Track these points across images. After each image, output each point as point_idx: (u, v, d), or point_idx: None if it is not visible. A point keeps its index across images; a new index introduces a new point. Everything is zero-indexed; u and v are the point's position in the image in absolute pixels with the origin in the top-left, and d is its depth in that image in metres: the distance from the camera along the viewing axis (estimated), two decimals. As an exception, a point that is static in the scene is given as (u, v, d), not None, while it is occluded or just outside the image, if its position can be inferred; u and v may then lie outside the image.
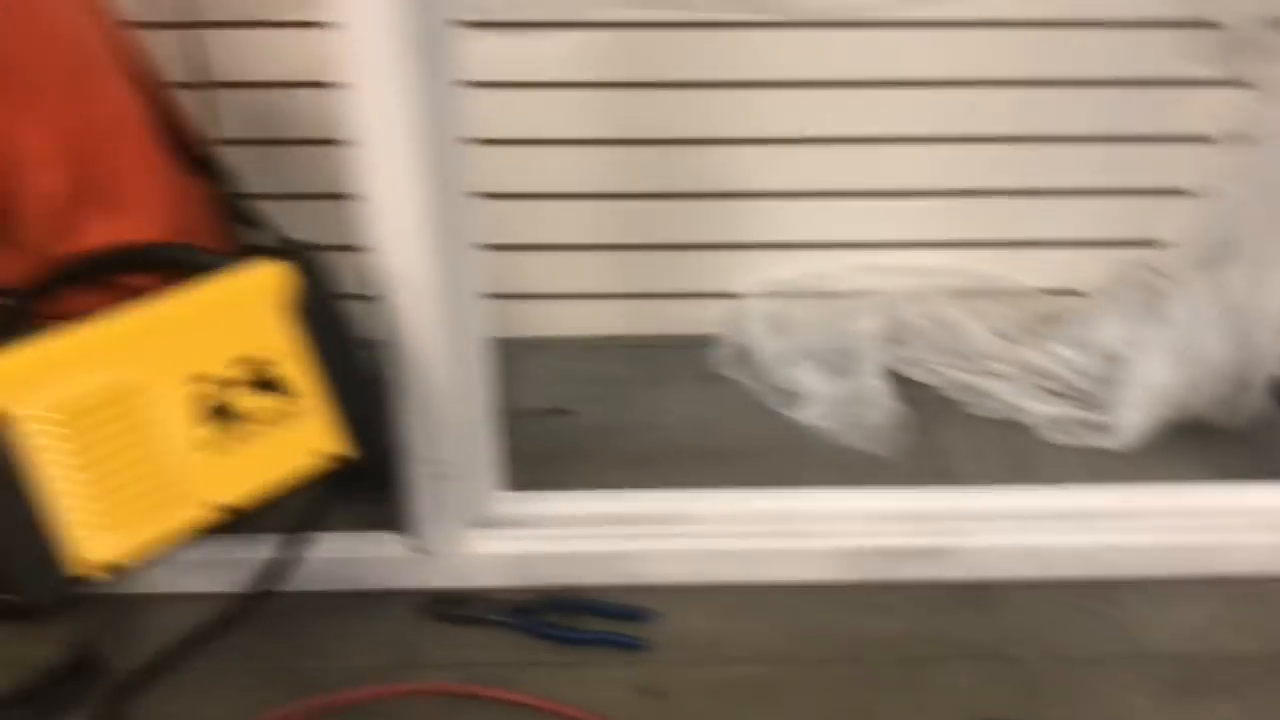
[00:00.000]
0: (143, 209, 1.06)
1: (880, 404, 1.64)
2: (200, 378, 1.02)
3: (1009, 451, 1.62)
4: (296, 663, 1.29)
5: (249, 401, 1.04)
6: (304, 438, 1.08)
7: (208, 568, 1.30)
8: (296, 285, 1.08)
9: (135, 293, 1.05)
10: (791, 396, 1.68)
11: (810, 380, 1.66)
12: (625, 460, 1.61)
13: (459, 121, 1.13)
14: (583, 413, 1.69)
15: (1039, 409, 1.65)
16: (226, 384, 1.03)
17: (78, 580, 0.94)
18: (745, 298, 1.83)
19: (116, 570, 0.97)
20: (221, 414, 1.03)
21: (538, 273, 1.82)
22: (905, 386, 1.71)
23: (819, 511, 1.41)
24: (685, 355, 1.82)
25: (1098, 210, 1.79)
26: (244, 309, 1.05)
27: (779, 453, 1.61)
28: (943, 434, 1.65)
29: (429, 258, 1.13)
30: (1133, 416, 1.59)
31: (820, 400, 1.65)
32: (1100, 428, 1.60)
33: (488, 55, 1.56)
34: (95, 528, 0.95)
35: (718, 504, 1.42)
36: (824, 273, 1.83)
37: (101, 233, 1.03)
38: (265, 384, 1.05)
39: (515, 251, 1.79)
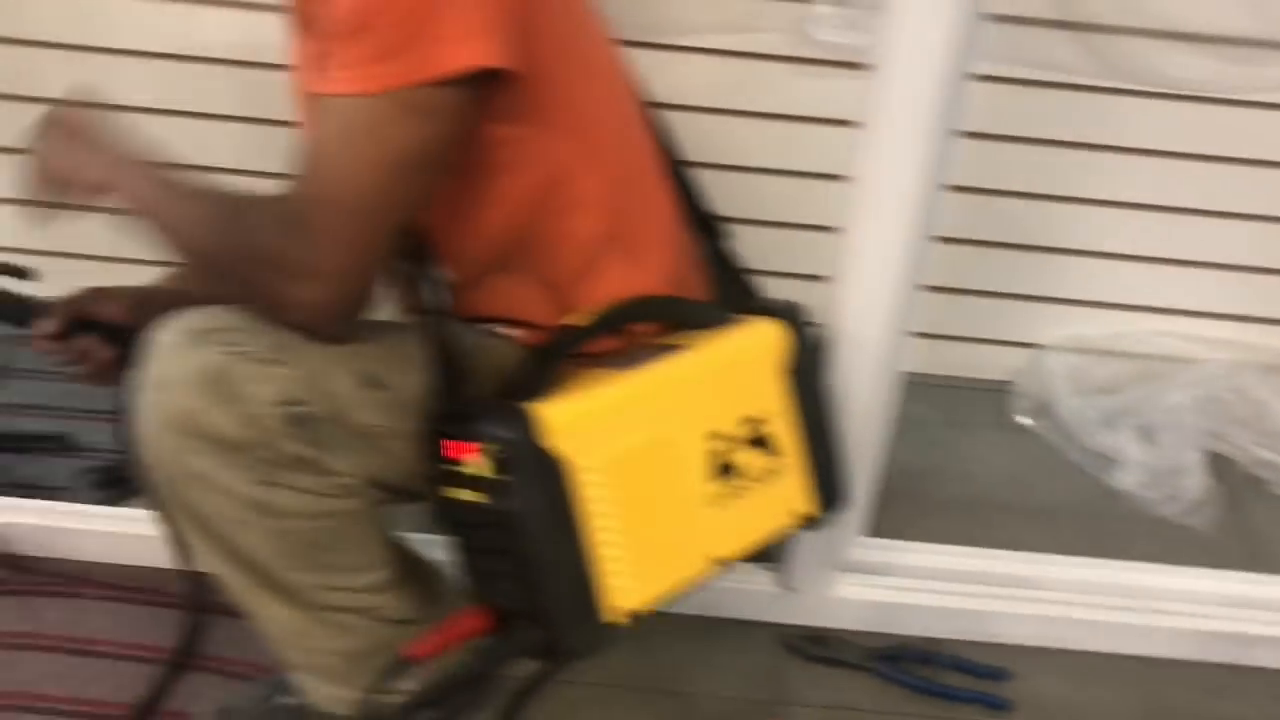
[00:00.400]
0: (655, 258, 1.09)
1: (1197, 477, 1.66)
2: (716, 434, 1.05)
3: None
4: (671, 686, 1.34)
5: (748, 459, 1.07)
6: (785, 496, 1.11)
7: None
8: (789, 345, 1.10)
9: (636, 339, 1.08)
10: (1105, 460, 1.70)
11: (1128, 446, 1.68)
12: (940, 508, 1.64)
13: (948, 168, 1.14)
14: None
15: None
16: (734, 441, 1.06)
17: (609, 626, 0.98)
18: (1047, 349, 1.84)
19: (637, 618, 1.00)
20: (726, 470, 1.06)
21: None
22: (1212, 460, 1.73)
23: (1169, 590, 1.43)
24: (982, 400, 1.84)
25: None
26: (750, 367, 1.08)
27: (1099, 518, 1.63)
28: (1253, 512, 1.67)
29: (890, 296, 1.17)
30: None
31: (1138, 468, 1.67)
32: None
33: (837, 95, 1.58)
34: (626, 576, 0.99)
35: (1069, 571, 1.44)
36: (1125, 334, 1.84)
37: (618, 279, 1.05)
38: (760, 442, 1.08)
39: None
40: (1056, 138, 1.70)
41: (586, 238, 1.04)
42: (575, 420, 0.95)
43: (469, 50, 0.88)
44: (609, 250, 1.06)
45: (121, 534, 1.41)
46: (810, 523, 1.15)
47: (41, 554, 1.41)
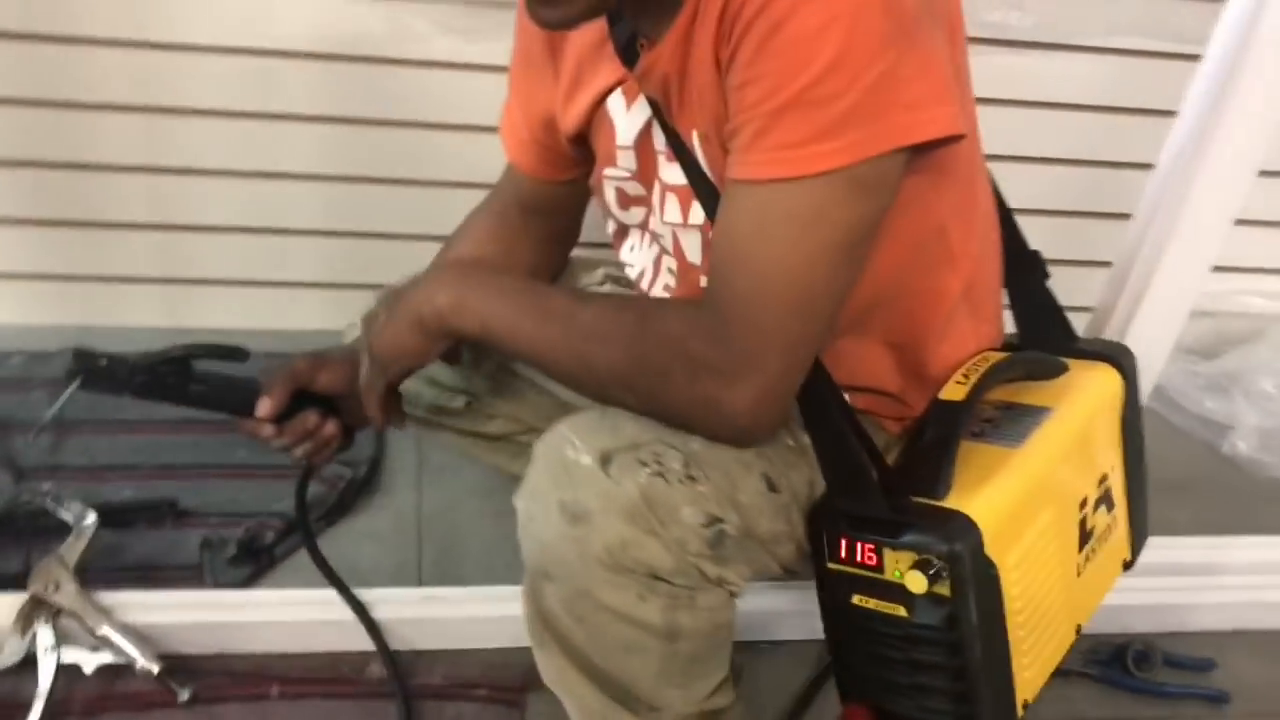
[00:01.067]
0: (990, 307, 1.00)
1: (1307, 437, 1.72)
2: (1085, 502, 0.99)
3: None
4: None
5: (1098, 519, 1.02)
6: (1118, 549, 1.07)
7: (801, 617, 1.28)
8: (1125, 391, 1.05)
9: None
10: (1218, 426, 1.73)
11: (1243, 411, 1.72)
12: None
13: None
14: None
15: None
16: (1093, 504, 1.01)
17: (1019, 721, 0.93)
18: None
19: (1028, 708, 0.95)
20: (1087, 537, 1.00)
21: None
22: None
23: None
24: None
25: None
26: (1101, 422, 1.02)
27: (1228, 490, 1.67)
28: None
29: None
30: None
31: (1253, 432, 1.71)
32: None
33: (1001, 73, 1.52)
34: (1031, 670, 0.93)
35: (1251, 553, 1.47)
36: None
37: (968, 336, 0.96)
38: (1105, 499, 1.03)
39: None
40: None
41: (949, 294, 0.95)
42: (1002, 521, 0.87)
43: (941, 117, 0.78)
44: (962, 306, 0.97)
45: (294, 621, 1.24)
46: (1126, 568, 1.11)
47: (206, 651, 1.23)
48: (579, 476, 0.81)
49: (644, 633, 0.85)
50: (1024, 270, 1.06)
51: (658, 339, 0.82)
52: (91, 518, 1.25)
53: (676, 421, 0.84)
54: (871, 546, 0.87)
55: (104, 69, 1.43)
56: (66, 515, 1.26)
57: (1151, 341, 1.15)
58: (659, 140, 0.93)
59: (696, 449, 0.83)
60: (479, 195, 1.56)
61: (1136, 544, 1.12)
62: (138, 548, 1.34)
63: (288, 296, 1.66)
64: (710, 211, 0.90)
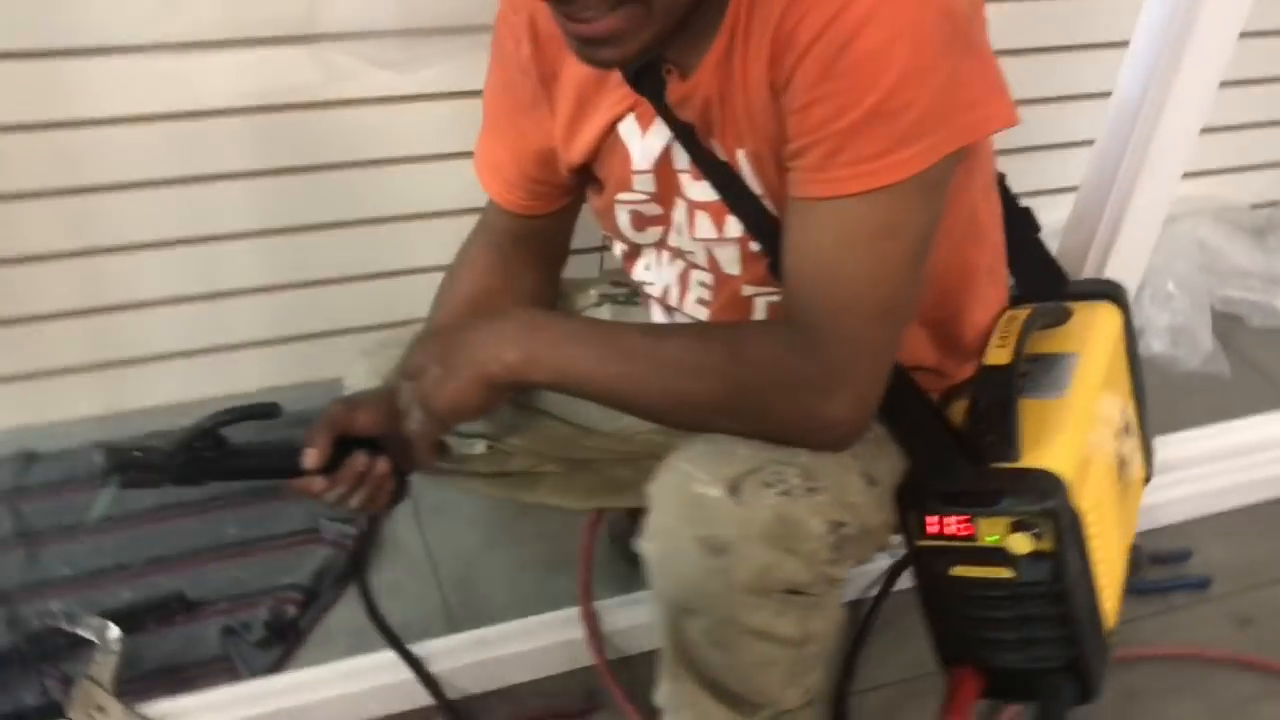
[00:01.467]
0: (1001, 270, 1.05)
1: (1208, 330, 1.87)
2: (1117, 434, 1.06)
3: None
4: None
5: (1128, 446, 1.10)
6: (1140, 472, 1.15)
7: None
8: (1126, 325, 1.13)
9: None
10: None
11: (1150, 314, 1.85)
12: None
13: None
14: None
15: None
16: (1123, 433, 1.08)
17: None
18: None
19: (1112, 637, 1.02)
20: (1122, 464, 1.08)
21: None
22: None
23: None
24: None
25: None
26: (1116, 358, 1.09)
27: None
28: (1251, 350, 1.91)
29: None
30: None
31: (1163, 332, 1.85)
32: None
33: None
34: (1112, 601, 1.00)
35: (1192, 446, 1.59)
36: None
37: (992, 302, 1.02)
38: (1128, 426, 1.11)
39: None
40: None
41: (979, 267, 1.01)
42: (1075, 469, 0.93)
43: (1000, 111, 0.83)
44: (987, 275, 1.03)
45: (352, 694, 1.21)
46: (1145, 483, 1.19)
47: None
48: (711, 509, 0.82)
49: (780, 645, 0.87)
50: (1019, 227, 1.13)
51: (752, 363, 0.84)
52: (115, 630, 1.19)
53: (780, 439, 0.86)
54: (964, 519, 0.92)
55: (14, 155, 1.34)
56: (86, 632, 1.20)
57: (1131, 257, 1.23)
58: (680, 160, 0.94)
59: (806, 461, 0.86)
60: (429, 225, 1.54)
61: (1149, 460, 1.21)
62: (156, 650, 1.28)
63: (230, 360, 1.59)
64: (751, 224, 0.92)
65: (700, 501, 0.83)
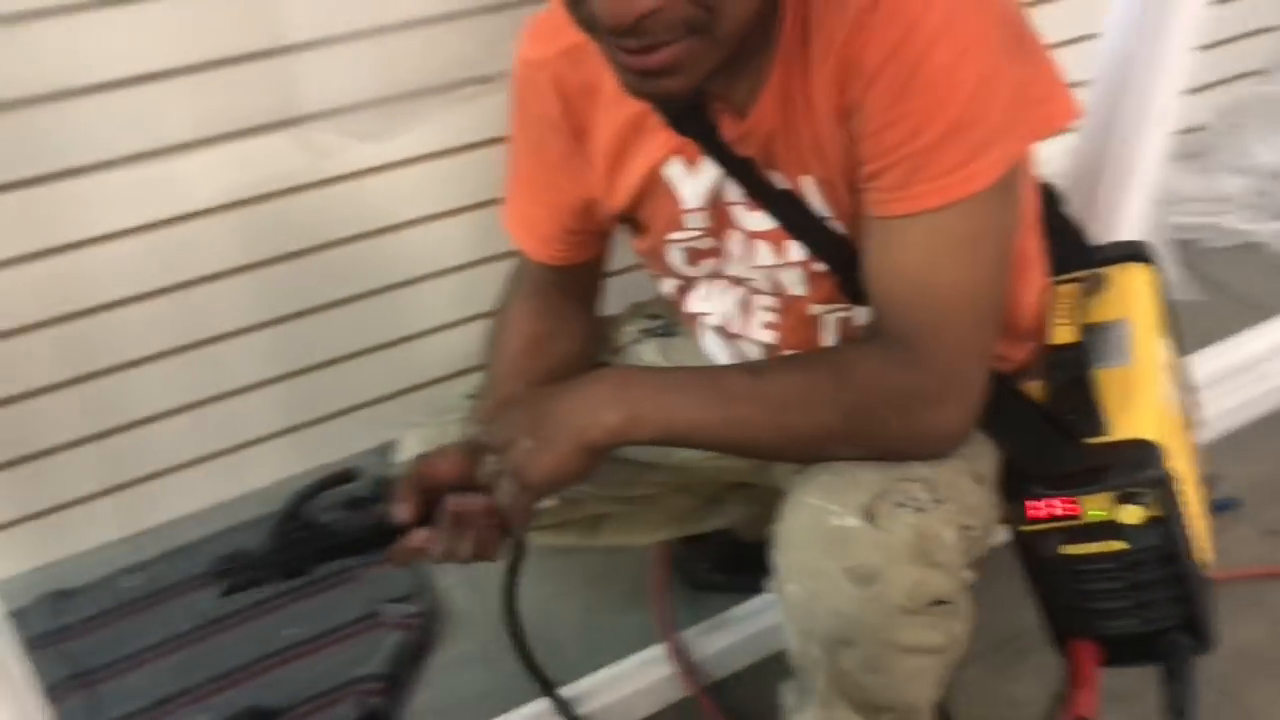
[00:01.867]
0: (1042, 250, 1.08)
1: (1169, 259, 1.93)
2: (1177, 383, 1.09)
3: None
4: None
5: (1184, 393, 1.13)
6: (1195, 411, 1.18)
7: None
8: (1160, 284, 1.16)
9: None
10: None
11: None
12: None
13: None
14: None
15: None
16: (1180, 382, 1.11)
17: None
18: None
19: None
20: (1185, 411, 1.11)
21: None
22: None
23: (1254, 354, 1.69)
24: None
25: None
26: (1159, 315, 1.12)
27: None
28: (1219, 274, 1.98)
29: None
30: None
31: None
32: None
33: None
34: (1202, 551, 1.03)
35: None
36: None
37: (1039, 284, 1.04)
38: (1181, 374, 1.14)
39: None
40: None
41: (1030, 253, 1.04)
42: (1164, 433, 0.96)
43: (1065, 105, 0.86)
44: (1034, 257, 1.05)
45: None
46: (1190, 430, 1.23)
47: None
48: (853, 539, 0.83)
49: (930, 656, 0.89)
50: (1044, 202, 1.15)
51: (860, 388, 0.85)
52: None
53: (896, 455, 0.87)
54: (1069, 499, 0.94)
55: (3, 290, 1.29)
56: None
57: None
58: (733, 193, 0.95)
59: (925, 474, 0.87)
60: (436, 285, 1.52)
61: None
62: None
63: (244, 458, 1.55)
64: (817, 248, 0.93)
65: (840, 534, 0.83)
